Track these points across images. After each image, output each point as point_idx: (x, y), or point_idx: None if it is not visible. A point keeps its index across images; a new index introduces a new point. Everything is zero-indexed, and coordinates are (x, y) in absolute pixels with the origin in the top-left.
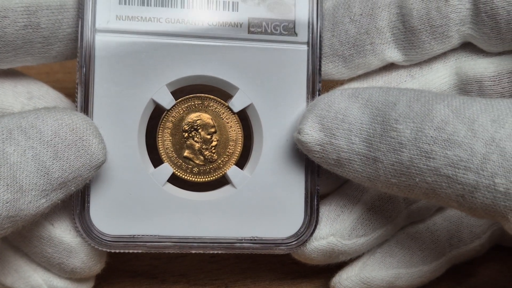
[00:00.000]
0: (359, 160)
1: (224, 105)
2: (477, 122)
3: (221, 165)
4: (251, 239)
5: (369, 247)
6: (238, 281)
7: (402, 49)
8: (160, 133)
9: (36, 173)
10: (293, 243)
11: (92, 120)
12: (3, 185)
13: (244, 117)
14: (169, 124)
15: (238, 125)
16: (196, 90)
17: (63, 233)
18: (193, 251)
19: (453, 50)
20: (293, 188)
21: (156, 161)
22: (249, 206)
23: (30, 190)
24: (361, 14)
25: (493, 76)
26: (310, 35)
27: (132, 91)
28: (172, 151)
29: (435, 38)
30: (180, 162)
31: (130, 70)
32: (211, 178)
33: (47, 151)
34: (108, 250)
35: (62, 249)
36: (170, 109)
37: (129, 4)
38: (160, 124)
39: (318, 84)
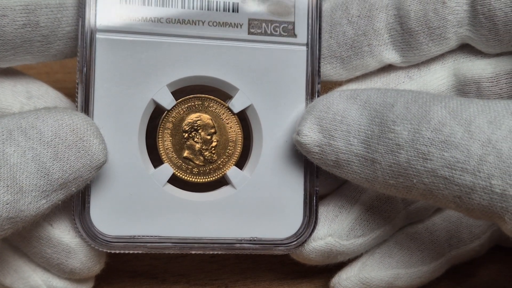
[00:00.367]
0: (357, 162)
1: (224, 105)
2: (474, 123)
3: (221, 166)
4: (250, 240)
5: (367, 247)
6: (238, 281)
7: (399, 51)
8: (160, 134)
9: (36, 174)
10: (292, 243)
11: (92, 120)
12: (3, 186)
13: (243, 118)
14: (169, 125)
15: (238, 125)
16: (196, 91)
17: (62, 233)
18: (193, 252)
19: (451, 52)
20: (292, 189)
21: (156, 161)
22: (248, 207)
23: (30, 191)
24: (358, 16)
25: (491, 77)
26: (309, 36)
27: (133, 91)
28: (172, 152)
29: (433, 39)
30: (180, 162)
31: (130, 70)
32: (211, 179)
33: (47, 152)
34: (108, 251)
35: (61, 249)
36: (170, 109)
37: (129, 4)
38: (160, 125)
39: (317, 85)
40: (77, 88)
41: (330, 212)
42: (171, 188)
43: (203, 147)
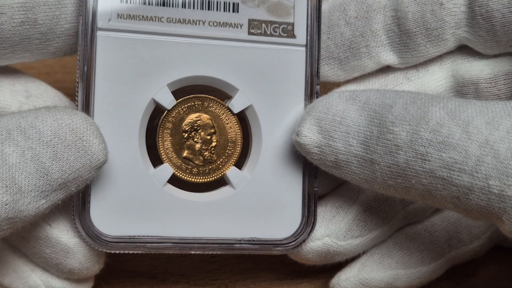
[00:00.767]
0: (356, 162)
1: (224, 106)
2: (471, 124)
3: (221, 166)
4: (249, 240)
5: (364, 248)
6: (238, 281)
7: (397, 52)
8: (160, 133)
9: (36, 174)
10: (291, 244)
11: (93, 119)
12: (2, 187)
13: (241, 118)
14: (169, 125)
15: (237, 126)
16: (196, 91)
17: (60, 233)
18: (193, 252)
19: (449, 53)
20: (291, 189)
21: (155, 161)
22: (248, 207)
23: (29, 191)
24: (356, 17)
25: (489, 78)
26: (309, 37)
27: (133, 91)
28: (172, 152)
29: (431, 41)
30: (179, 162)
31: (131, 69)
32: (211, 179)
33: (46, 152)
34: (108, 251)
35: (59, 249)
36: (170, 109)
37: (130, 3)
38: (160, 124)
39: (316, 86)
40: (77, 87)
41: (328, 213)
42: (171, 188)
43: (203, 147)
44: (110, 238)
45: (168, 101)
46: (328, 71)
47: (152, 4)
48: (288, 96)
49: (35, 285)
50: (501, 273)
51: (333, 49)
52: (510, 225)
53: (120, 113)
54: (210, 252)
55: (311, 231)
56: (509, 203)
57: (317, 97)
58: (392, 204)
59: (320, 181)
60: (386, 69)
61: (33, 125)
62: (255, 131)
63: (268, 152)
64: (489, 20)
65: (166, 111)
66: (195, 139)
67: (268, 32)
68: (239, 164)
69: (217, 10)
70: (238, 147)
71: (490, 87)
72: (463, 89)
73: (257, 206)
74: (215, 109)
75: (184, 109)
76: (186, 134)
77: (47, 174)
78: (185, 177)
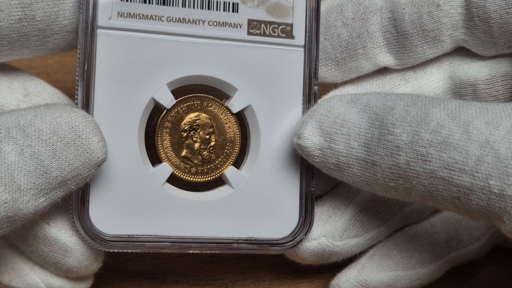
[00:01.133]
0: (357, 164)
1: (223, 105)
2: (472, 124)
3: (219, 166)
4: (247, 240)
5: (361, 248)
6: (238, 281)
7: (394, 53)
8: (159, 133)
9: (35, 172)
10: (288, 243)
11: (92, 117)
12: (1, 185)
13: (240, 118)
14: (168, 124)
15: (236, 125)
16: (196, 91)
17: (58, 232)
18: (191, 251)
19: (447, 54)
20: (288, 189)
21: (154, 160)
22: (246, 207)
23: (28, 190)
24: (353, 18)
25: (486, 80)
26: (307, 38)
27: (133, 89)
28: (171, 151)
29: (427, 42)
30: (178, 161)
31: (131, 67)
32: (209, 178)
33: (45, 150)
34: (107, 250)
35: (58, 248)
36: (170, 108)
37: (130, 2)
38: (160, 124)
39: (314, 87)
40: (77, 85)
41: (324, 213)
42: (170, 188)
43: (202, 147)
44: (109, 237)
45: (167, 100)
46: (325, 72)
47: (152, 3)
48: (287, 96)
49: (34, 283)
50: (501, 273)
51: (330, 50)
52: (511, 225)
53: (120, 112)
54: (208, 252)
55: (308, 231)
56: (509, 203)
57: (315, 98)
58: (389, 205)
59: (317, 181)
60: (383, 71)
61: (32, 123)
62: (254, 131)
63: (266, 152)
64: (486, 22)
65: (165, 110)
66: (194, 139)
67: (267, 33)
68: (238, 164)
69: (217, 10)
70: (236, 146)
71: (487, 89)
72: (460, 91)
73: (255, 205)
74: (214, 108)
75: (183, 109)
76: (185, 134)
77: (46, 172)
78: (184, 176)
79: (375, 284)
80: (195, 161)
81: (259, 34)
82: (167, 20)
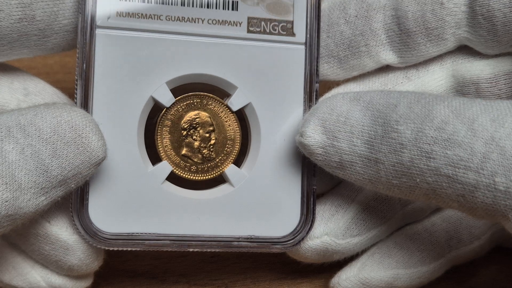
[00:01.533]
0: (360, 162)
1: (223, 104)
2: (477, 121)
3: (219, 164)
4: (248, 238)
5: (363, 247)
6: (238, 281)
7: (397, 51)
8: (159, 131)
9: (35, 171)
10: (289, 242)
11: (92, 116)
12: (2, 184)
13: (240, 116)
14: (168, 122)
15: (236, 124)
16: (195, 89)
17: (59, 230)
18: (191, 250)
19: (450, 52)
20: (289, 187)
21: (153, 159)
22: (246, 205)
23: (29, 188)
24: (356, 16)
25: (489, 78)
26: (308, 36)
27: (132, 88)
28: (171, 149)
29: (431, 40)
30: (178, 160)
31: (130, 66)
32: (209, 177)
33: (45, 149)
34: (106, 248)
35: (59, 246)
36: (169, 107)
37: (129, 1)
38: (159, 122)
39: (315, 85)
40: (76, 85)
41: (327, 211)
42: (170, 186)
43: (202, 145)
44: (108, 235)
45: (167, 98)
46: (327, 70)
47: (151, 2)
48: (287, 94)
49: (35, 281)
50: (501, 273)
51: (333, 47)
52: None
53: (119, 111)
54: (208, 250)
55: (309, 229)
56: None
57: (316, 96)
58: (391, 204)
59: (319, 179)
60: (386, 68)
61: (33, 122)
62: (254, 129)
63: (267, 150)
64: (490, 20)
65: (164, 109)
66: (194, 137)
67: (268, 30)
68: (238, 162)
69: (216, 8)
70: (237, 145)
71: (490, 87)
72: (463, 89)
73: (255, 204)
74: (214, 107)
75: (183, 107)
76: (185, 132)
77: (47, 171)
78: (184, 175)
79: (375, 282)
80: (195, 160)
81: (259, 32)
82: (166, 19)
